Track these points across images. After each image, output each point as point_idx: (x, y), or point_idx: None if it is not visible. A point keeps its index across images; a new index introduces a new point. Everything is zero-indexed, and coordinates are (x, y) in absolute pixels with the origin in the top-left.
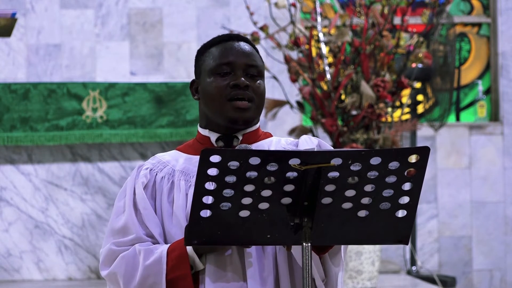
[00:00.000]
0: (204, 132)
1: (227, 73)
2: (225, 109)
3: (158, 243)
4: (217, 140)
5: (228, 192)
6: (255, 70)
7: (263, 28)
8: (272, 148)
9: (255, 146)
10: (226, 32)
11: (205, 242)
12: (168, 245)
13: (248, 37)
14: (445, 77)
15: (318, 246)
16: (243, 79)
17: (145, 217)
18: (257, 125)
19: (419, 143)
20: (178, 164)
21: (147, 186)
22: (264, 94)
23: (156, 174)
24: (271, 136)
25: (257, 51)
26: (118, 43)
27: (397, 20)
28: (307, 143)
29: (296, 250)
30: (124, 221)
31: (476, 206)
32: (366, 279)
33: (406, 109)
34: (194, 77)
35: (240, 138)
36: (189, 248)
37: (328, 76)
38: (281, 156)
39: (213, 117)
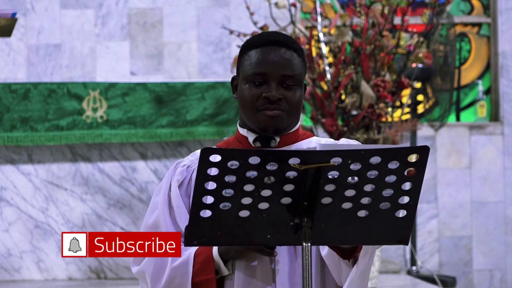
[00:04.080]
0: (243, 131)
1: (262, 82)
2: (256, 118)
3: None
4: (254, 141)
5: (228, 192)
6: (291, 80)
7: (263, 28)
8: None
9: (294, 147)
10: (227, 32)
11: (205, 243)
12: (196, 247)
13: (248, 37)
14: (445, 77)
15: (343, 249)
16: (274, 93)
17: (177, 215)
18: (297, 126)
19: (419, 143)
20: None
21: (183, 183)
22: (300, 101)
23: (193, 171)
24: (312, 136)
25: (300, 54)
26: (118, 43)
27: (397, 20)
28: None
29: (326, 255)
30: (156, 218)
31: (476, 206)
32: None
33: (406, 109)
34: (191, 77)
35: (278, 139)
36: (215, 253)
37: (328, 76)
38: (281, 156)
39: (247, 121)
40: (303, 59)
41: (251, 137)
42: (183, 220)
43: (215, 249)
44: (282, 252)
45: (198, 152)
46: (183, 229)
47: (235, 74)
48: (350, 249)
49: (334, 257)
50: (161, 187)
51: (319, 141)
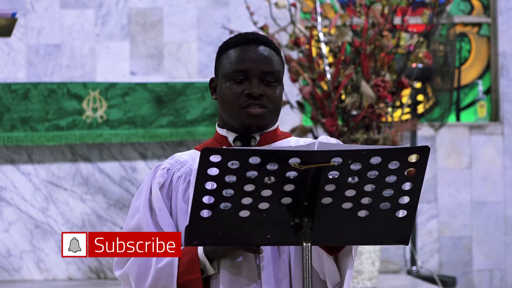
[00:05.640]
0: (222, 131)
1: (243, 79)
2: (238, 116)
3: None
4: (234, 140)
5: (228, 192)
6: (271, 77)
7: (263, 28)
8: None
9: (273, 146)
10: (227, 32)
11: (205, 243)
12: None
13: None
14: (445, 77)
15: (329, 246)
16: (256, 89)
17: (159, 218)
18: (276, 125)
19: (419, 143)
20: (195, 163)
21: (164, 186)
22: (281, 99)
23: (173, 173)
24: (290, 136)
25: (278, 52)
26: (118, 43)
27: (397, 20)
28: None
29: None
30: (138, 220)
31: (476, 206)
32: (366, 279)
33: (406, 109)
34: (191, 77)
35: (258, 138)
36: (201, 253)
37: (328, 76)
38: (281, 156)
39: (228, 120)
40: (281, 58)
41: (231, 136)
42: (166, 222)
43: (200, 248)
44: (266, 249)
45: (177, 155)
46: (165, 231)
47: (213, 76)
48: (336, 247)
49: (316, 249)
50: (142, 191)
51: (297, 141)
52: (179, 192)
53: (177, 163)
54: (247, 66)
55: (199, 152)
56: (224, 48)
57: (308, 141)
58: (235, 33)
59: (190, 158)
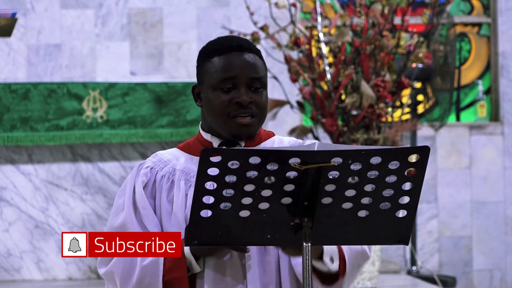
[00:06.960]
0: (207, 136)
1: (230, 88)
2: (227, 125)
3: None
4: (219, 146)
5: (228, 192)
6: (258, 83)
7: (263, 28)
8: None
9: (260, 147)
10: (227, 32)
11: (205, 243)
12: None
13: (248, 37)
14: (445, 77)
15: (324, 277)
16: (245, 97)
17: (144, 217)
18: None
19: (419, 143)
20: (179, 163)
21: (147, 185)
22: (267, 103)
23: (157, 172)
24: (274, 135)
25: (260, 56)
26: (118, 43)
27: (397, 20)
28: None
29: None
30: (123, 219)
31: (476, 206)
32: (366, 279)
33: (406, 109)
34: (191, 77)
35: (243, 144)
36: (186, 251)
37: (328, 76)
38: (281, 156)
39: (216, 128)
40: (264, 62)
41: (215, 142)
42: (150, 221)
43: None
44: (251, 249)
45: (160, 153)
46: (150, 230)
47: (196, 83)
48: (330, 276)
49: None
50: (125, 189)
51: (281, 141)
52: (163, 191)
53: (160, 162)
54: (234, 74)
55: (182, 152)
56: (207, 56)
57: (292, 141)
58: (235, 33)
59: (173, 157)
